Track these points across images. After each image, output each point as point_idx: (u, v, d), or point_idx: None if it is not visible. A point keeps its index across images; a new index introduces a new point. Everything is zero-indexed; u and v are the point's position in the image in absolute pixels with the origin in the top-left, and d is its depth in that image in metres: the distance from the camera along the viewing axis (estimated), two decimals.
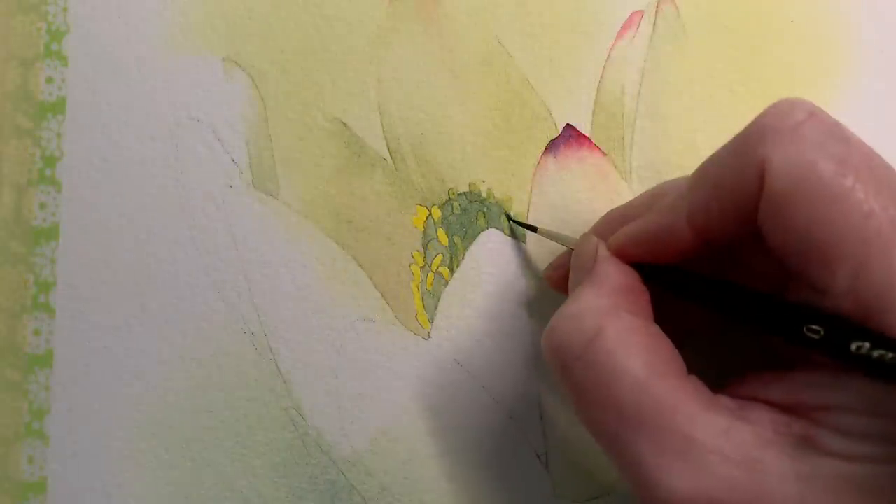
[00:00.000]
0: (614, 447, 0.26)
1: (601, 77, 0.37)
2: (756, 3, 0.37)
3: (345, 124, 0.36)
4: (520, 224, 0.35)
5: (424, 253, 0.35)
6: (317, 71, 0.36)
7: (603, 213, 0.33)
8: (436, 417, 0.35)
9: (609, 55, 0.37)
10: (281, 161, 0.35)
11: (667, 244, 0.28)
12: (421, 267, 0.35)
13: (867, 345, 0.23)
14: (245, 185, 0.35)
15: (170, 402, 0.34)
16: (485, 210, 0.36)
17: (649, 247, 0.28)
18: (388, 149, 0.36)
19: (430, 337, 0.35)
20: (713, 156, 0.27)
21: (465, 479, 0.35)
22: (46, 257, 0.34)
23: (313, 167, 0.35)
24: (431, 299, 0.35)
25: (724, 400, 0.26)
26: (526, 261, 0.36)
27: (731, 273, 0.29)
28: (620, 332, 0.26)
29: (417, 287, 0.35)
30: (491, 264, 0.36)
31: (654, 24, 0.37)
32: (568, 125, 0.36)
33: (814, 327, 0.24)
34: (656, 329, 0.27)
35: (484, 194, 0.36)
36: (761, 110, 0.25)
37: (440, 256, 0.35)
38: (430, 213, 0.35)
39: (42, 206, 0.35)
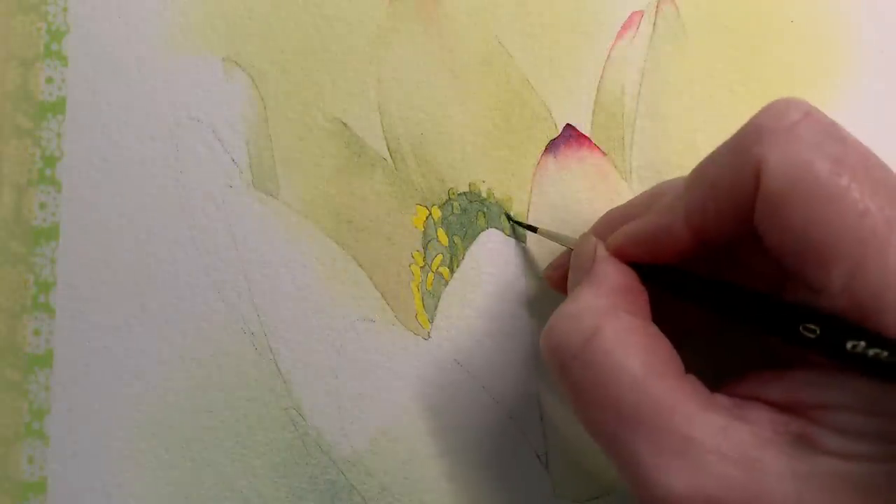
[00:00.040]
0: (612, 446, 0.26)
1: (601, 77, 0.37)
2: (756, 3, 0.37)
3: (345, 124, 0.36)
4: (520, 224, 0.35)
5: (424, 253, 0.35)
6: (317, 71, 0.36)
7: (603, 213, 0.33)
8: (436, 417, 0.35)
9: (609, 55, 0.37)
10: (281, 161, 0.35)
11: (665, 244, 0.28)
12: (421, 267, 0.35)
13: (863, 344, 0.23)
14: (245, 185, 0.35)
15: (170, 402, 0.34)
16: (485, 210, 0.36)
17: (647, 247, 0.28)
18: (388, 149, 0.36)
19: (430, 337, 0.35)
20: (710, 156, 0.27)
21: (465, 479, 0.35)
22: (46, 257, 0.34)
23: (313, 167, 0.35)
24: (431, 299, 0.35)
25: (721, 399, 0.26)
26: (526, 261, 0.36)
27: (729, 273, 0.29)
28: (618, 331, 0.26)
29: (417, 287, 0.35)
30: (491, 264, 0.36)
31: (654, 24, 0.37)
32: (568, 125, 0.36)
33: (810, 327, 0.24)
34: (654, 329, 0.27)
35: (484, 194, 0.36)
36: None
37: (440, 256, 0.35)
38: (430, 213, 0.36)
39: (42, 206, 0.35)
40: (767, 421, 0.25)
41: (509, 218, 0.36)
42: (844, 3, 0.38)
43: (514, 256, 0.36)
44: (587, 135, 0.36)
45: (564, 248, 0.34)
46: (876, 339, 0.22)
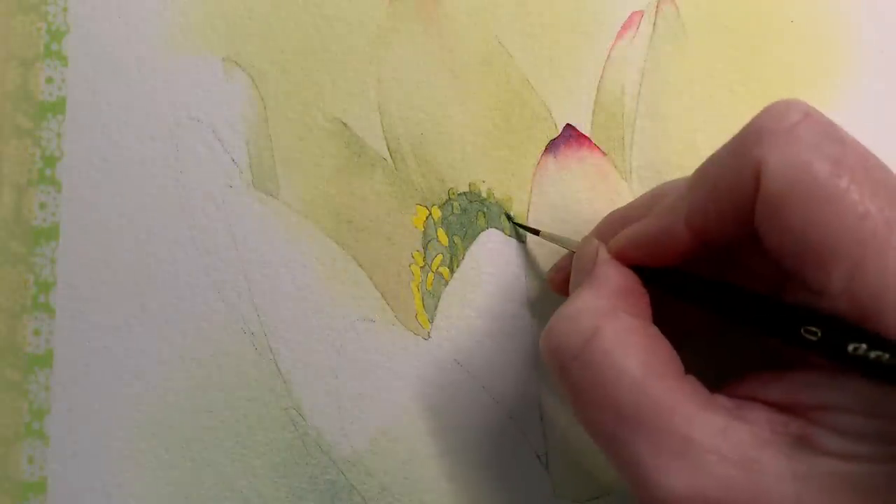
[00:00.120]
0: (612, 447, 0.26)
1: (601, 77, 0.37)
2: (756, 3, 0.37)
3: (345, 124, 0.36)
4: (523, 228, 0.35)
5: (424, 253, 0.35)
6: (317, 71, 0.36)
7: (603, 214, 0.33)
8: (436, 417, 0.35)
9: (609, 55, 0.37)
10: (281, 161, 0.35)
11: (666, 246, 0.28)
12: (421, 267, 0.35)
13: (864, 346, 0.23)
14: (245, 185, 0.35)
15: (170, 402, 0.34)
16: (485, 210, 0.36)
17: (649, 249, 0.28)
18: (388, 149, 0.36)
19: (430, 337, 0.35)
20: (710, 158, 0.27)
21: (465, 479, 0.35)
22: (46, 257, 0.34)
23: (313, 167, 0.35)
24: (431, 299, 0.35)
25: (721, 400, 0.26)
26: (526, 261, 0.36)
27: (730, 275, 0.29)
28: (618, 332, 0.26)
29: (417, 287, 0.35)
30: (491, 264, 0.36)
31: (654, 24, 0.37)
32: (568, 125, 0.36)
33: (811, 328, 0.24)
34: (654, 330, 0.27)
35: (484, 194, 0.36)
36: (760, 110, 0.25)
37: (440, 256, 0.35)
38: (430, 213, 0.35)
39: (42, 206, 0.35)
40: (767, 422, 0.25)
41: (511, 220, 0.36)
42: (844, 3, 0.37)
43: (515, 256, 0.36)
44: (587, 135, 0.36)
45: (566, 251, 0.34)
46: (877, 340, 0.22)
